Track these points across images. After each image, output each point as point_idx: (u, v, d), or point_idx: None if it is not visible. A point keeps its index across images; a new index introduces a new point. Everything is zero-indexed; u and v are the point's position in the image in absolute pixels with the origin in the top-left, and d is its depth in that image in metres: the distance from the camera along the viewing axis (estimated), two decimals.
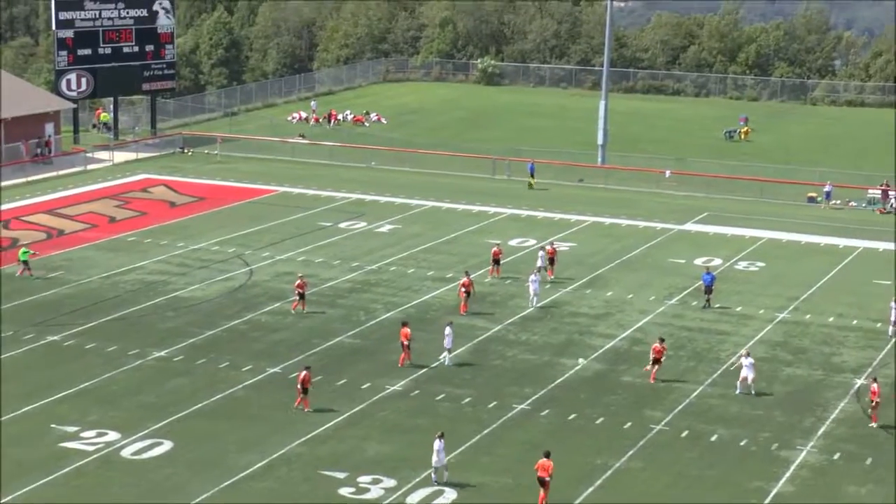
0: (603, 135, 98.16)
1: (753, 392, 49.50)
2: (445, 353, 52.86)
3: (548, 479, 39.39)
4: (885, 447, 44.99)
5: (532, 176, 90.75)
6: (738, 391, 49.76)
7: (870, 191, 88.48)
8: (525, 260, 70.35)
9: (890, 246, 75.01)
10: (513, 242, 74.38)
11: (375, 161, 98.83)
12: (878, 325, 59.23)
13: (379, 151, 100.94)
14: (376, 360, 53.43)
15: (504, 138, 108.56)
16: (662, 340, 52.16)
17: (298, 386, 47.35)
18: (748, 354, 50.42)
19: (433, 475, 40.97)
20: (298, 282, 59.93)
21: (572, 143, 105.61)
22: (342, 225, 78.35)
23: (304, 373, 47.59)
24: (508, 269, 68.09)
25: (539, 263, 65.35)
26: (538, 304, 60.92)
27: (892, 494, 41.10)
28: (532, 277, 61.24)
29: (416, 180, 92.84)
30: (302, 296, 59.62)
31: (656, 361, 51.05)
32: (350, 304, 61.52)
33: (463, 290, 60.08)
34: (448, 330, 52.82)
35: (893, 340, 56.25)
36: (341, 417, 47.07)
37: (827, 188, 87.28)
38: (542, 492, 39.46)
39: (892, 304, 57.21)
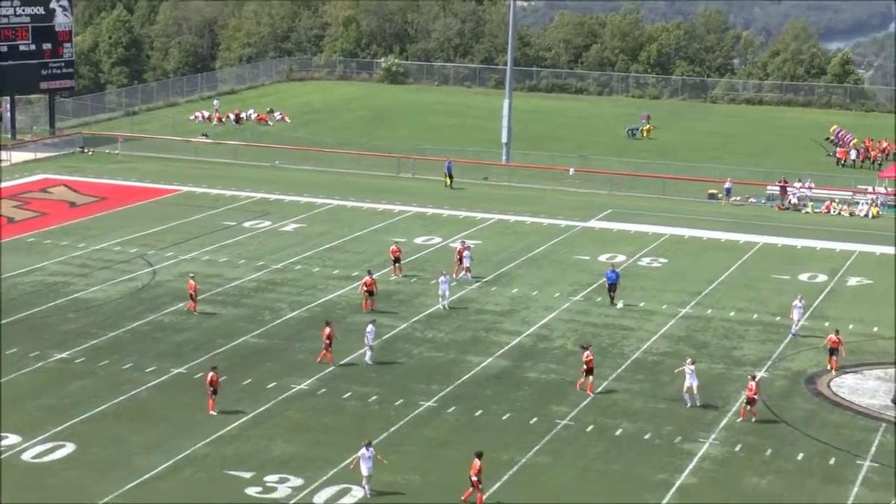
0: (507, 133, 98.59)
1: (699, 403, 48.30)
2: (367, 351, 52.62)
3: (473, 478, 39.26)
4: (787, 438, 45.73)
5: (449, 175, 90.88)
6: (687, 404, 48.27)
7: (768, 187, 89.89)
8: (430, 259, 70.48)
9: (788, 241, 76.25)
10: (418, 240, 74.44)
11: (280, 160, 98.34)
12: (778, 318, 60.18)
13: (283, 150, 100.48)
14: (282, 360, 53.18)
15: (408, 137, 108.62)
16: (589, 347, 50.76)
17: (209, 387, 46.90)
18: (692, 363, 49.11)
19: (364, 484, 40.20)
20: (190, 283, 59.40)
21: (477, 141, 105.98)
22: (246, 224, 77.84)
23: (211, 373, 47.18)
24: (414, 266, 68.15)
25: (466, 263, 65.46)
26: (448, 305, 60.72)
27: (791, 486, 41.77)
28: (442, 278, 60.84)
29: (321, 179, 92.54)
30: (193, 296, 59.04)
31: (589, 372, 49.55)
32: (255, 304, 61.16)
33: (364, 288, 60.01)
34: (370, 328, 52.66)
35: (792, 339, 56.88)
36: (247, 417, 46.78)
37: (727, 185, 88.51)
38: (477, 493, 39.35)
39: (796, 303, 57.81)
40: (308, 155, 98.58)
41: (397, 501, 40.01)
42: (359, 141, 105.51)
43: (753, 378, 47.79)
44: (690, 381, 48.38)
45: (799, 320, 57.40)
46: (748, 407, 47.25)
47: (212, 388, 46.88)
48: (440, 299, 60.61)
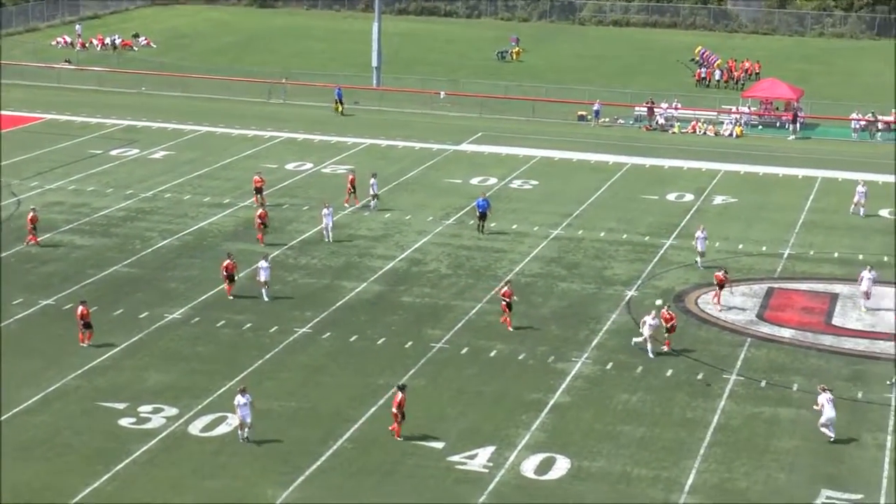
0: (377, 57, 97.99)
1: (651, 354, 46.37)
2: (264, 290, 51.36)
3: (394, 411, 39.12)
4: (656, 355, 46.63)
5: (339, 101, 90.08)
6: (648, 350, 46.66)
7: (636, 108, 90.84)
8: (301, 185, 70.12)
9: (656, 162, 77.30)
10: (289, 166, 73.95)
11: (146, 86, 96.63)
12: (647, 238, 61.16)
13: (149, 77, 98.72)
14: (154, 289, 52.64)
15: (278, 62, 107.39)
16: (509, 283, 50.21)
17: (79, 322, 46.17)
18: (655, 311, 47.13)
19: (239, 431, 39.03)
20: (31, 216, 57.89)
21: (347, 65, 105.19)
22: (114, 152, 76.54)
23: (81, 307, 46.41)
24: (285, 193, 67.79)
25: (374, 191, 64.87)
26: (332, 238, 59.45)
27: (660, 401, 42.71)
28: (325, 210, 59.43)
29: (189, 106, 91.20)
30: (32, 230, 57.60)
31: (508, 306, 48.90)
32: (125, 233, 60.33)
33: (258, 220, 58.90)
34: (263, 263, 51.43)
35: (697, 267, 56.58)
36: (119, 348, 46.30)
37: (596, 107, 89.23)
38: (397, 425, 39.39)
39: (698, 234, 56.94)
40: (175, 81, 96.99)
41: (273, 427, 40.03)
42: (227, 67, 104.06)
43: (668, 308, 47.48)
44: (647, 332, 46.42)
45: (703, 251, 56.56)
46: (667, 335, 46.77)
47: (83, 322, 46.16)
48: (325, 232, 59.49)
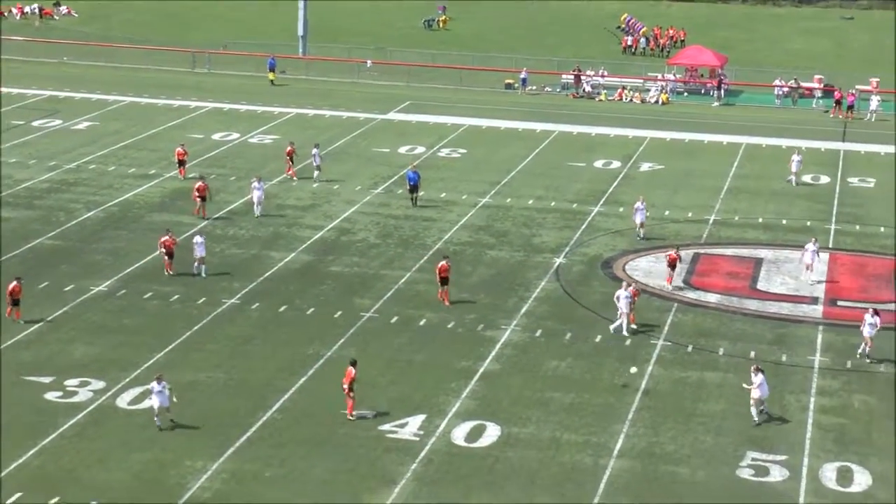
0: (303, 26, 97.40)
1: (626, 331, 45.71)
2: (200, 265, 50.47)
3: (345, 388, 38.53)
4: (585, 322, 46.94)
5: (272, 71, 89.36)
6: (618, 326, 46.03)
7: (563, 76, 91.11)
8: (228, 155, 69.66)
9: (583, 129, 77.58)
10: (216, 136, 73.42)
11: (68, 56, 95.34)
12: (574, 205, 61.43)
13: (72, 46, 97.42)
14: (79, 262, 52.10)
15: (203, 31, 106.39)
16: (447, 257, 49.24)
17: (8, 297, 45.33)
18: (626, 287, 46.39)
19: (156, 418, 37.80)
20: None
21: (273, 34, 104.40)
22: (36, 123, 75.54)
23: (14, 283, 45.48)
24: (213, 164, 67.33)
25: (317, 162, 64.25)
26: (261, 212, 58.41)
27: (589, 367, 43.01)
28: (255, 184, 58.35)
29: (113, 76, 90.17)
30: None
31: (444, 281, 48.11)
32: (49, 205, 59.62)
33: (197, 194, 57.74)
34: (198, 238, 50.50)
35: (640, 236, 56.30)
36: (45, 321, 45.80)
37: (523, 75, 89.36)
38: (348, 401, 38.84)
39: (637, 205, 56.32)
40: (98, 51, 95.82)
41: (203, 399, 39.83)
42: (152, 36, 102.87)
43: (630, 285, 46.88)
44: (624, 309, 45.68)
45: (642, 223, 56.07)
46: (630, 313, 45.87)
47: (11, 299, 45.25)
48: (255, 207, 58.35)
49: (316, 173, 64.43)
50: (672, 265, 50.64)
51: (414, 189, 60.59)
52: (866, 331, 43.74)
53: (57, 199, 60.60)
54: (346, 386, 38.52)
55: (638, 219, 56.18)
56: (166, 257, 50.39)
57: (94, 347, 43.69)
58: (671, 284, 50.63)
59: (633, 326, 46.04)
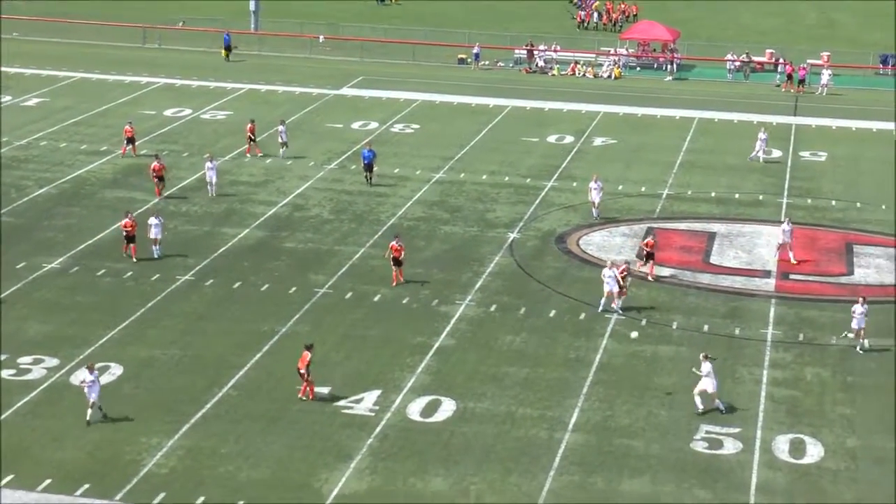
0: (254, 1, 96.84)
1: (618, 308, 45.53)
2: (154, 247, 49.59)
3: (301, 371, 38.04)
4: (539, 296, 47.10)
5: (227, 48, 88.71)
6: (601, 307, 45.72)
7: (516, 51, 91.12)
8: (181, 131, 69.27)
9: (536, 104, 77.68)
10: (168, 113, 72.98)
11: (17, 32, 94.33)
12: (528, 180, 61.56)
13: (19, 21, 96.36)
14: (31, 239, 51.70)
15: (154, 6, 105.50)
16: (398, 237, 48.44)
17: None
18: (612, 266, 45.77)
19: (89, 410, 36.52)
20: None
21: (224, 10, 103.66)
22: None
23: None
24: (165, 139, 66.97)
25: (283, 139, 63.76)
26: (216, 192, 57.58)
27: (544, 342, 43.18)
28: (209, 164, 57.39)
29: (63, 51, 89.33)
30: None
31: (396, 262, 47.40)
32: None
33: (153, 174, 56.86)
34: (154, 220, 49.45)
35: (595, 216, 55.69)
36: None
37: (475, 50, 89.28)
38: (308, 386, 38.28)
39: (592, 184, 55.75)
40: (48, 26, 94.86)
41: (157, 376, 39.71)
42: (102, 11, 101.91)
43: (626, 264, 46.82)
44: (610, 287, 45.32)
45: (598, 202, 55.39)
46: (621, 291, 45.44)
47: None
48: (209, 187, 57.48)
49: (282, 150, 64.01)
50: (650, 255, 48.85)
51: (369, 168, 60.02)
52: (857, 322, 42.58)
53: (8, 176, 60.06)
54: (302, 370, 38.12)
55: (594, 197, 55.71)
56: (126, 241, 49.28)
57: (47, 325, 43.42)
58: (653, 276, 48.87)
59: (615, 305, 45.47)
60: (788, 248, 51.08)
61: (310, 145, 66.44)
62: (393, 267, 47.75)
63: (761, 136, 66.08)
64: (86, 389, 36.41)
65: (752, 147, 66.09)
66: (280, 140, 64.03)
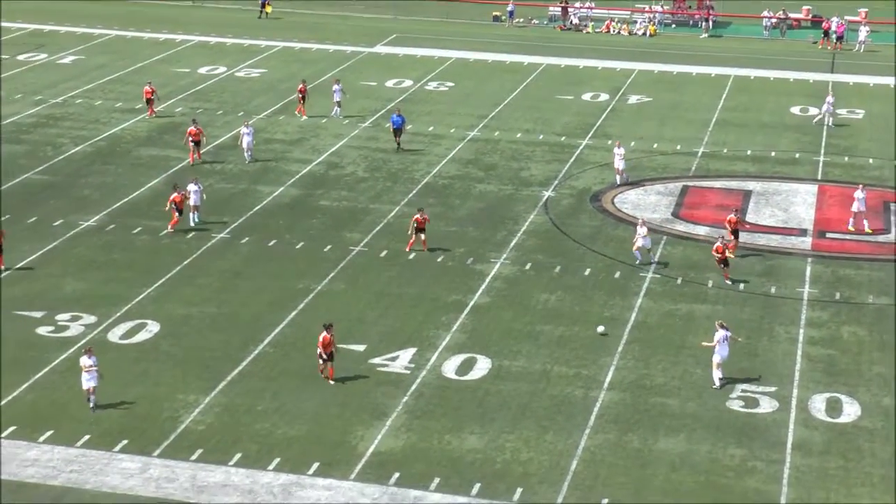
0: None
1: (654, 259, 46.07)
2: (194, 213, 48.80)
3: (319, 351, 36.80)
4: (574, 255, 47.02)
5: (264, 5, 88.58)
6: (637, 260, 45.82)
7: (550, 8, 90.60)
8: (215, 89, 69.30)
9: (570, 62, 77.27)
10: (202, 70, 73.01)
11: None
12: (563, 139, 61.35)
13: None
14: (67, 196, 51.96)
15: None
16: (421, 210, 47.13)
17: None
18: (643, 223, 45.91)
19: (92, 396, 35.36)
20: None
21: None
22: (21, 57, 74.96)
23: None
24: (199, 97, 67.05)
25: (337, 98, 63.44)
26: (252, 156, 56.80)
27: (579, 300, 43.14)
28: (245, 129, 56.59)
29: (97, 9, 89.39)
30: None
31: (420, 230, 46.37)
32: (35, 140, 59.36)
33: (190, 138, 56.09)
34: (193, 186, 48.82)
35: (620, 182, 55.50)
36: (34, 256, 45.73)
37: (510, 7, 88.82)
38: (328, 366, 37.06)
39: (616, 150, 54.10)
40: None
41: (194, 333, 39.93)
42: None
43: (722, 238, 45.33)
44: (642, 242, 45.56)
45: (622, 168, 54.32)
46: (722, 267, 44.54)
47: None
48: (245, 153, 56.63)
49: (337, 109, 63.80)
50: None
51: (398, 132, 58.80)
52: None
53: (44, 134, 60.31)
54: (323, 353, 36.83)
55: (618, 165, 54.52)
56: (176, 213, 48.13)
57: (84, 282, 43.68)
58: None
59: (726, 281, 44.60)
60: (863, 218, 49.73)
61: (344, 103, 66.33)
62: (416, 234, 46.54)
63: (829, 99, 64.30)
64: (86, 375, 35.01)
65: (819, 110, 64.68)
66: (335, 99, 63.75)
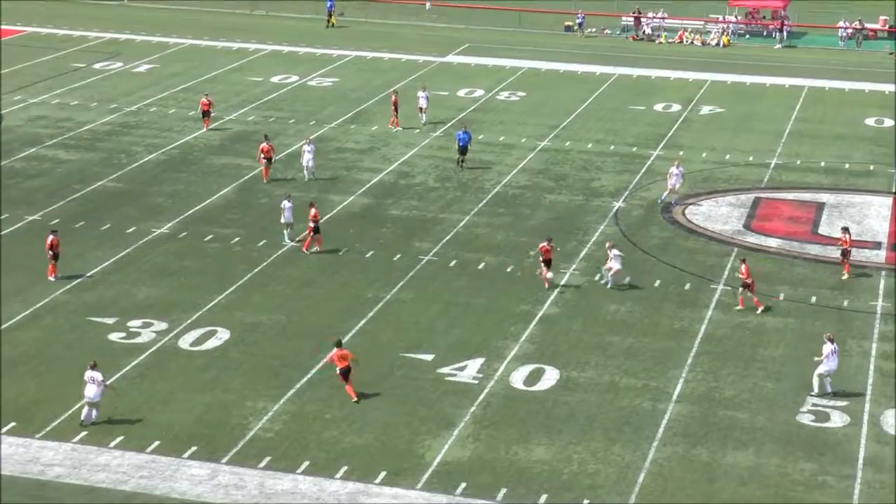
0: None
1: (626, 280, 44.89)
2: (285, 231, 48.25)
3: (343, 367, 36.33)
4: (644, 266, 46.76)
5: (331, 14, 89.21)
6: (608, 284, 44.69)
7: (623, 18, 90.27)
8: (287, 98, 69.74)
9: (643, 72, 76.96)
10: (275, 79, 73.52)
11: None
12: (634, 149, 61.09)
13: None
14: (140, 204, 52.50)
15: None
16: (550, 239, 44.95)
17: (48, 252, 44.26)
18: (613, 247, 44.90)
19: (84, 410, 34.87)
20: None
21: None
22: (97, 66, 75.94)
23: (51, 237, 44.48)
24: (272, 107, 67.52)
25: (423, 104, 63.38)
26: (314, 175, 55.75)
27: (648, 311, 42.87)
28: (307, 147, 55.33)
29: (173, 17, 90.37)
30: None
31: (547, 263, 44.36)
32: (110, 147, 60.07)
33: (262, 155, 55.03)
34: (287, 203, 48.05)
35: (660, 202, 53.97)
36: (107, 262, 46.25)
37: (579, 17, 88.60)
38: (346, 385, 36.60)
39: (673, 170, 52.89)
40: None
41: (263, 340, 40.15)
42: None
43: (744, 261, 43.51)
44: (613, 264, 44.40)
45: (673, 187, 52.78)
46: (744, 291, 43.06)
47: (52, 253, 44.25)
48: (305, 171, 55.37)
49: (422, 116, 63.99)
50: (844, 253, 45.85)
51: (463, 151, 57.13)
52: None
53: (118, 142, 61.03)
54: (340, 372, 36.29)
55: (673, 183, 52.78)
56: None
57: (156, 289, 44.11)
58: (847, 272, 45.88)
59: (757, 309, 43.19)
60: None
61: (416, 112, 66.46)
62: (542, 265, 44.58)
63: None
64: (94, 388, 34.51)
65: None
66: (420, 106, 63.89)
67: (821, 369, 36.84)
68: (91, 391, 34.67)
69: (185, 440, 34.14)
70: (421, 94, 64.26)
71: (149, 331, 40.77)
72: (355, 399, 36.38)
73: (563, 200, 53.93)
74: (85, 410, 34.94)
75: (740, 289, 43.32)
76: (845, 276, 45.91)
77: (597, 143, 62.27)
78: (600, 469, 33.14)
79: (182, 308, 42.44)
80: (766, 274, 46.12)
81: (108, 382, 35.18)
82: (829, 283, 45.41)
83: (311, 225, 47.27)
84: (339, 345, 36.81)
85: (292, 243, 48.08)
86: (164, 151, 59.65)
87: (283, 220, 48.36)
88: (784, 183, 56.73)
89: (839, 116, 67.36)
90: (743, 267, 43.21)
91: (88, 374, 34.81)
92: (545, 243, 44.54)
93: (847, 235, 46.19)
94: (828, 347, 36.67)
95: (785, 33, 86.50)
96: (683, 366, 38.99)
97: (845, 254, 46.04)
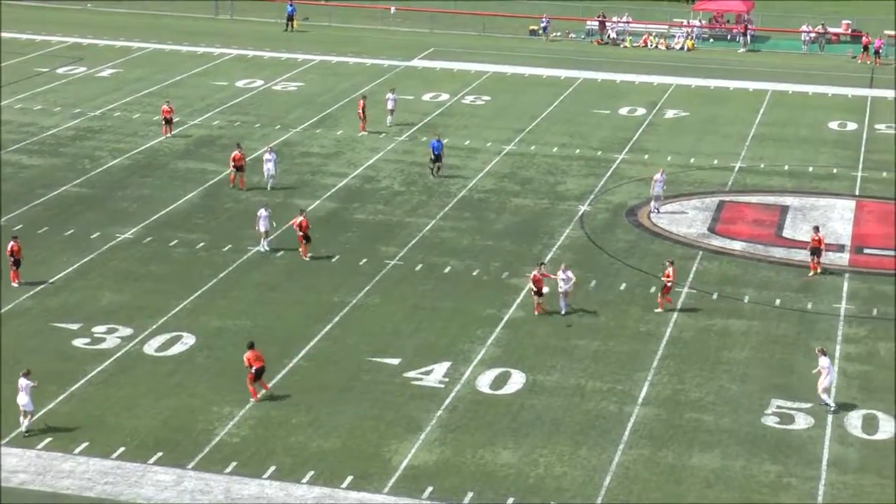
0: None
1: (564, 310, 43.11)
2: (263, 241, 47.96)
3: (259, 367, 36.52)
4: (609, 270, 46.90)
5: (291, 18, 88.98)
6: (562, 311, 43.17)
7: (588, 22, 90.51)
8: (252, 102, 69.57)
9: (607, 76, 77.18)
10: (239, 84, 73.35)
11: (91, 3, 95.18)
12: (599, 153, 61.26)
13: None
14: (105, 209, 52.26)
15: None
16: (542, 264, 43.81)
17: (10, 259, 43.98)
18: (566, 269, 43.20)
19: (22, 419, 34.69)
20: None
21: None
22: (60, 70, 75.58)
23: (11, 243, 44.03)
24: (236, 111, 67.33)
25: (390, 105, 63.94)
26: (273, 184, 55.07)
27: (614, 315, 42.98)
28: (267, 156, 54.94)
29: (136, 22, 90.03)
30: None
31: (538, 293, 42.82)
32: (74, 153, 59.77)
33: (233, 163, 54.69)
34: (263, 212, 47.84)
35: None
36: (71, 268, 46.01)
37: (543, 22, 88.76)
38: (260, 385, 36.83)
39: (657, 176, 52.60)
40: None
41: (229, 346, 40.03)
42: None
43: (671, 263, 43.69)
44: (564, 287, 42.96)
45: (658, 196, 52.57)
46: (663, 293, 43.29)
47: (13, 259, 43.95)
48: (266, 178, 54.79)
49: (388, 118, 63.98)
50: (815, 251, 46.38)
51: (437, 159, 56.82)
52: None
53: (82, 147, 60.73)
54: (255, 371, 36.44)
55: (656, 190, 52.59)
56: (305, 241, 47.45)
57: (121, 294, 43.90)
58: (818, 270, 46.34)
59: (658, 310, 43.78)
60: None
61: (381, 117, 66.41)
62: (535, 297, 42.99)
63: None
64: (21, 393, 34.40)
65: None
66: (387, 107, 63.92)
67: (825, 383, 36.66)
68: (23, 399, 34.41)
69: (150, 446, 33.99)
70: (389, 95, 64.34)
71: (114, 336, 40.57)
72: (256, 400, 36.37)
73: (529, 204, 54.02)
74: (22, 419, 34.60)
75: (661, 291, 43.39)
76: (811, 274, 46.21)
77: (562, 146, 62.41)
78: (567, 472, 33.20)
79: (147, 313, 42.25)
80: (732, 277, 46.33)
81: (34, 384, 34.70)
82: (794, 286, 45.66)
83: (300, 234, 47.26)
84: (251, 346, 36.76)
85: (265, 250, 47.90)
86: (128, 156, 59.39)
87: (260, 229, 47.93)
88: (748, 186, 57.02)
89: (803, 120, 67.79)
90: (670, 269, 43.28)
91: (21, 381, 34.49)
92: (536, 271, 42.90)
93: (818, 234, 46.55)
94: (823, 360, 36.50)
95: (749, 37, 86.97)
96: (649, 369, 39.12)
97: (815, 252, 46.33)
